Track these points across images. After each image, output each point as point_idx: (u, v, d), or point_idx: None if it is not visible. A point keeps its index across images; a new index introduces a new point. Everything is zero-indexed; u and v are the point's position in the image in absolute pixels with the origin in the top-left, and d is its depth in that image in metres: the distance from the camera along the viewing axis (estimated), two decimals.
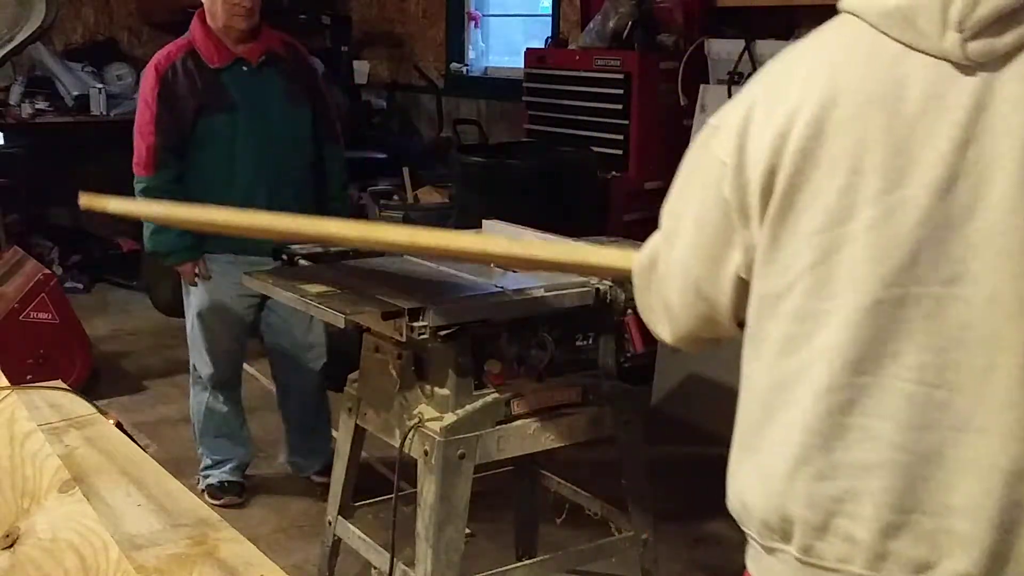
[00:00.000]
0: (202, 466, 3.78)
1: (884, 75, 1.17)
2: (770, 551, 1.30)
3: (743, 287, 1.28)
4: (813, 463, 1.22)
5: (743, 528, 1.34)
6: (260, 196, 3.37)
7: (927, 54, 1.15)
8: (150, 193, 3.33)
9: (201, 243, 3.44)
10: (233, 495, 3.74)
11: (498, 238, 2.41)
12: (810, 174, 1.17)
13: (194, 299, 3.57)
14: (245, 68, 3.42)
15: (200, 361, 3.64)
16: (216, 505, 3.58)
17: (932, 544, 1.18)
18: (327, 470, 3.21)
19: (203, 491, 3.71)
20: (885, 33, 1.17)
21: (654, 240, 1.42)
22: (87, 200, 2.37)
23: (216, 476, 3.75)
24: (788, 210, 1.19)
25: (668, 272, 1.37)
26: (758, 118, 1.21)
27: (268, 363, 4.00)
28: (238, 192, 3.36)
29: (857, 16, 1.20)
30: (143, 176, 3.37)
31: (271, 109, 3.44)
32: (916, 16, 1.15)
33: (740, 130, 1.22)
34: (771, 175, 1.19)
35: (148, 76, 3.38)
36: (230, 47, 3.40)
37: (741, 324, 1.31)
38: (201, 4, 3.43)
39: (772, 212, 1.20)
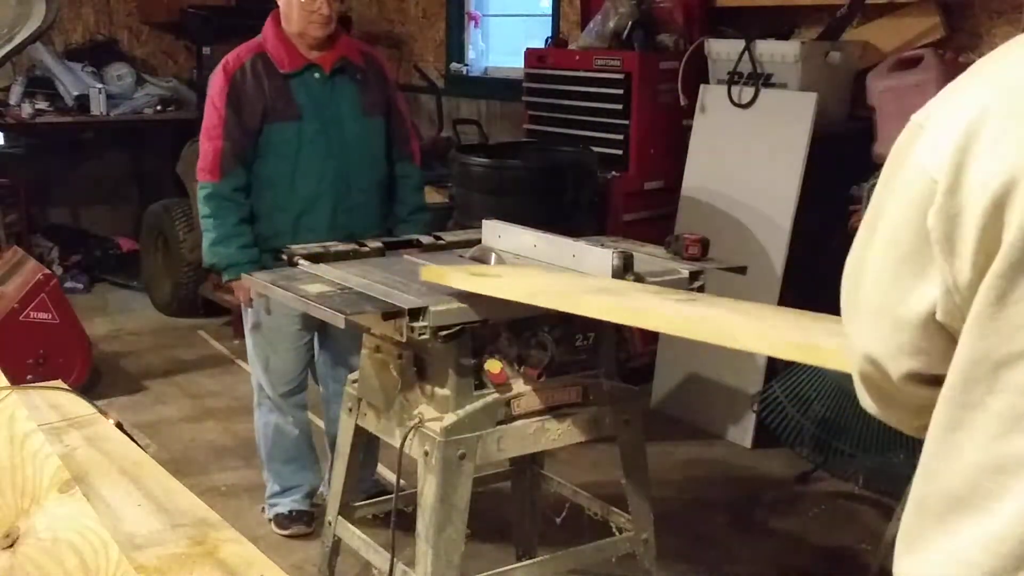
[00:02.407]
0: (268, 493, 3.58)
1: None
2: None
3: (935, 331, 0.99)
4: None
5: None
6: (321, 210, 3.26)
7: None
8: (214, 199, 3.21)
9: (261, 261, 3.22)
10: (302, 524, 3.52)
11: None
12: None
13: (251, 312, 3.40)
14: (317, 75, 3.26)
15: (260, 377, 3.48)
16: (283, 535, 3.50)
17: None
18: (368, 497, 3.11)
19: (269, 520, 3.55)
20: None
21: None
22: (429, 274, 2.33)
23: (285, 505, 3.54)
24: None
25: (865, 281, 1.05)
26: (989, 133, 0.92)
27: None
28: (297, 205, 3.25)
29: None
30: (208, 181, 3.22)
31: (341, 119, 3.28)
32: None
33: (961, 144, 0.94)
34: (1000, 211, 0.91)
35: (216, 78, 3.24)
36: (303, 53, 3.25)
37: (914, 377, 1.03)
38: (276, 7, 3.28)
39: (1004, 261, 0.91)
